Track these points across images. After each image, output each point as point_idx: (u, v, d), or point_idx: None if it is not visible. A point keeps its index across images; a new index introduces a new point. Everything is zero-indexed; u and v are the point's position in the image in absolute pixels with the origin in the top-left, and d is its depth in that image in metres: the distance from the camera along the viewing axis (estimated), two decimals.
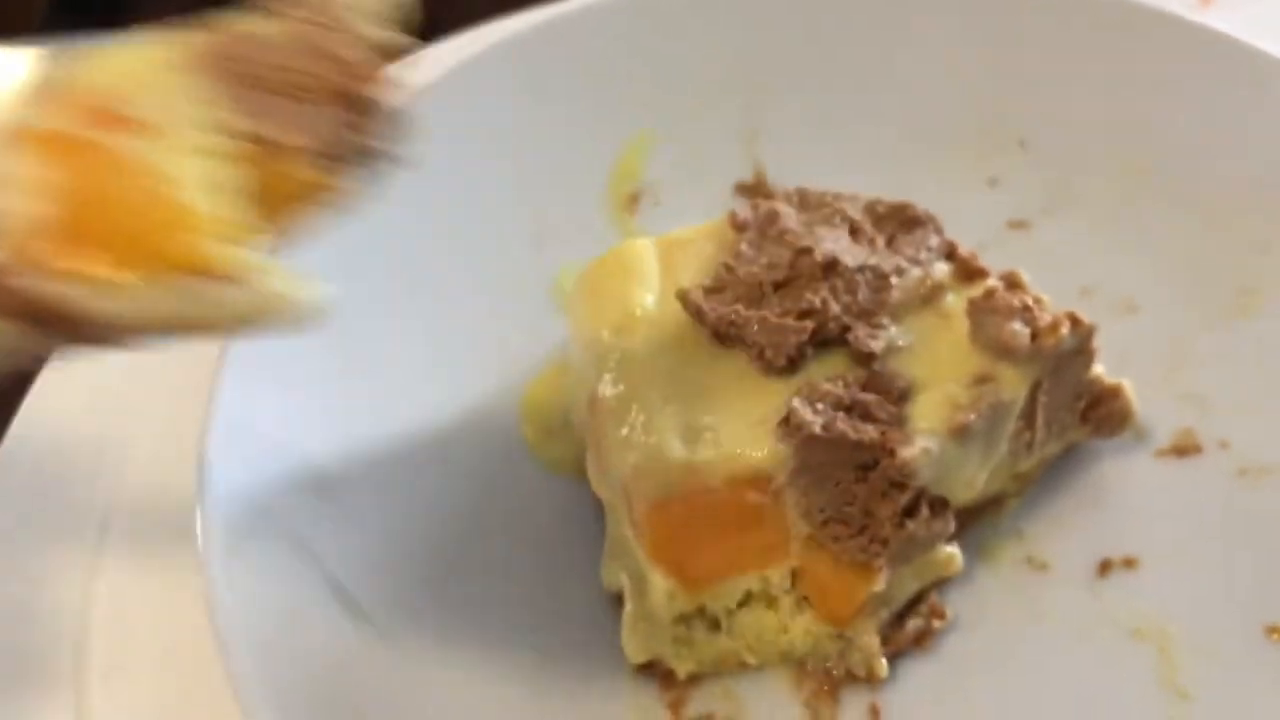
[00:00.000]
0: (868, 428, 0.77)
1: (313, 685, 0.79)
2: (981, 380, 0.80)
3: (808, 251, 0.84)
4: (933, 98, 1.11)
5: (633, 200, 1.11)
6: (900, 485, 0.78)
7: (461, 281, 1.05)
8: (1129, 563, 0.88)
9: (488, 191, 1.08)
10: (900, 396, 0.80)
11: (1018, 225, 1.07)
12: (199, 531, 0.83)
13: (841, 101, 1.11)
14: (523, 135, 1.09)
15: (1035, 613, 0.86)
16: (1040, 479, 0.92)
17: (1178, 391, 0.95)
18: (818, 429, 0.76)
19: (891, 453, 0.76)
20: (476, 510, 0.94)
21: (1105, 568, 0.88)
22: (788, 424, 0.77)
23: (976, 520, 0.89)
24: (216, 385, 0.90)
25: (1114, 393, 0.89)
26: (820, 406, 0.78)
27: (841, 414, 0.78)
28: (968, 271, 0.86)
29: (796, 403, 0.77)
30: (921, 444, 0.77)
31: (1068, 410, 0.87)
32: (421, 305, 1.03)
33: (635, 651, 0.84)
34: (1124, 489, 0.92)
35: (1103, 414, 0.89)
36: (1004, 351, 0.79)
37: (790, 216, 0.89)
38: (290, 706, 0.76)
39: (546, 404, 1.00)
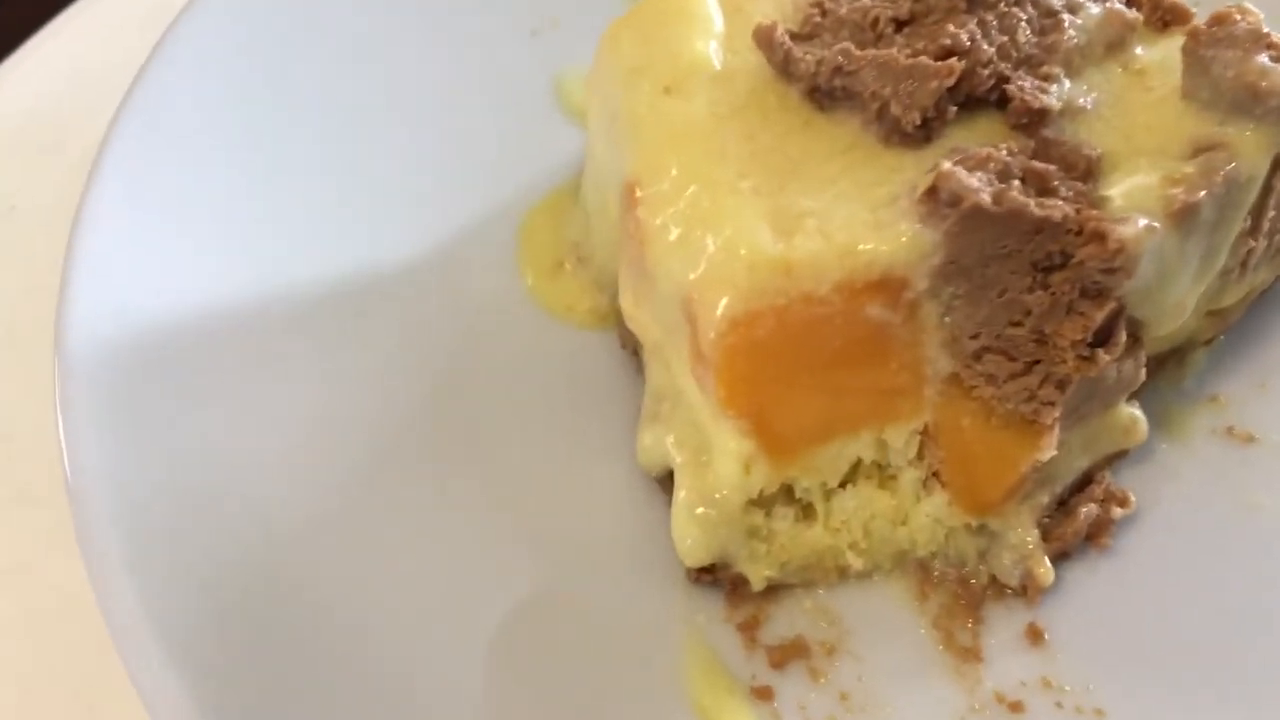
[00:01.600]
0: (1055, 202, 0.52)
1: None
2: (1205, 149, 0.55)
3: None
4: None
5: None
6: (1098, 295, 0.53)
7: (440, 87, 0.78)
8: None
9: None
10: (1087, 171, 0.54)
11: None
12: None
13: None
14: None
15: (1244, 499, 0.63)
16: (1235, 326, 0.67)
17: None
18: (985, 199, 0.51)
19: (1097, 236, 0.51)
20: (461, 373, 0.68)
21: None
22: (934, 197, 0.51)
23: (1153, 379, 0.65)
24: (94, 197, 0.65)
25: None
26: (981, 175, 0.52)
27: (1016, 184, 0.52)
28: (1163, 13, 0.60)
29: (948, 165, 0.52)
30: (1143, 222, 0.51)
31: None
32: (394, 119, 0.76)
33: (692, 550, 0.58)
34: None
35: None
36: (1247, 98, 0.54)
37: None
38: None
39: (551, 235, 0.74)
